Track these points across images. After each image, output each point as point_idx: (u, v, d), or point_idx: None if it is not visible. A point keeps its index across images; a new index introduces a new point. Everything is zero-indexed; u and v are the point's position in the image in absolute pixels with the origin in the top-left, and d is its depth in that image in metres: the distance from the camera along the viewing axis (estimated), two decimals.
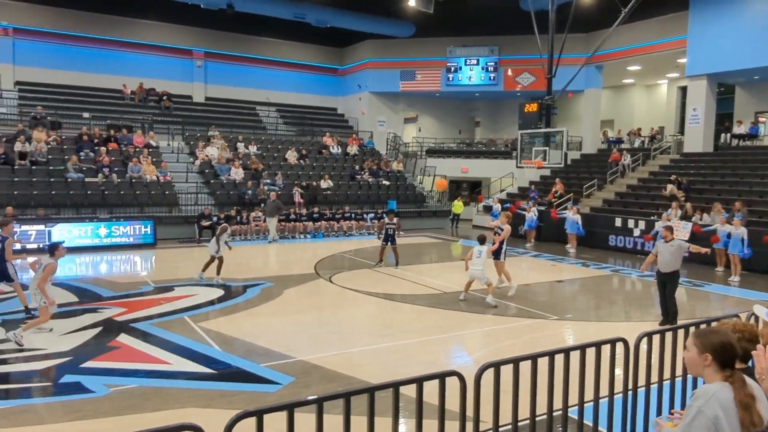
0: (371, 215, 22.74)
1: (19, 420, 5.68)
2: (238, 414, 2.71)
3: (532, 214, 20.04)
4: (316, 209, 21.48)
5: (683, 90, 25.48)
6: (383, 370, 7.06)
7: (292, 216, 20.80)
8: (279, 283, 12.38)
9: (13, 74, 24.10)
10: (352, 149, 27.24)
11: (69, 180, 18.75)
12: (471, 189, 31.28)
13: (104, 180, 19.24)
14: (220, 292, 11.54)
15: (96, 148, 20.65)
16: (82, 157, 19.89)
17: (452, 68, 28.69)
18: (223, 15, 24.44)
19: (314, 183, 23.15)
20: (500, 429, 3.46)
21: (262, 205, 20.32)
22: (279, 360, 7.39)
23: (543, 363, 3.58)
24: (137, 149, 21.39)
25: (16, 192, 17.67)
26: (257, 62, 29.67)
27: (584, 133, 27.13)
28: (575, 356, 3.69)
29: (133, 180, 19.76)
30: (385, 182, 25.29)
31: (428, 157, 29.22)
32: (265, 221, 19.80)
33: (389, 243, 14.73)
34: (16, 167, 18.67)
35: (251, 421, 2.76)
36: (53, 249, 8.45)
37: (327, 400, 2.96)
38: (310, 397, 2.99)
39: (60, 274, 13.54)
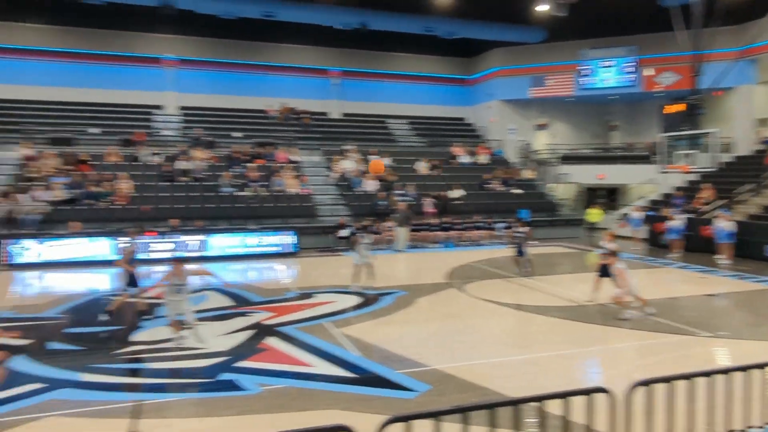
0: (501, 225, 22.37)
1: (183, 412, 6.31)
2: (389, 418, 2.84)
3: (677, 222, 18.52)
4: (447, 219, 21.61)
5: None
6: (518, 383, 6.96)
7: (424, 226, 21.12)
8: (412, 292, 12.62)
9: (177, 100, 27.03)
10: (482, 158, 27.05)
11: (222, 194, 20.61)
12: (608, 196, 29.62)
13: (253, 193, 20.90)
14: (357, 300, 12.01)
15: (245, 164, 22.49)
16: (234, 173, 21.76)
17: (585, 71, 27.50)
18: (355, 34, 25.57)
19: (442, 193, 23.28)
20: None
21: (395, 215, 20.85)
22: (414, 368, 7.55)
23: (700, 383, 3.35)
24: (281, 165, 22.97)
25: (177, 205, 19.73)
26: (388, 77, 30.60)
27: (736, 134, 24.61)
28: (738, 378, 3.40)
29: (278, 193, 21.24)
30: (516, 191, 24.80)
31: (562, 164, 28.18)
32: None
33: (519, 254, 14.48)
34: (179, 183, 20.88)
35: (396, 426, 2.87)
36: (180, 261, 9.12)
37: (473, 409, 3.00)
38: (453, 406, 3.06)
39: (215, 281, 14.92)
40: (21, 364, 7.83)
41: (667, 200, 22.55)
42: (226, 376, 7.44)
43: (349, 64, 29.65)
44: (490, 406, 3.00)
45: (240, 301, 12.08)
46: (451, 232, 21.38)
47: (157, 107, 26.67)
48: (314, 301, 12.00)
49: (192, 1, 22.88)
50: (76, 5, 22.68)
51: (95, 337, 9.65)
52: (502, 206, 23.85)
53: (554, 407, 3.20)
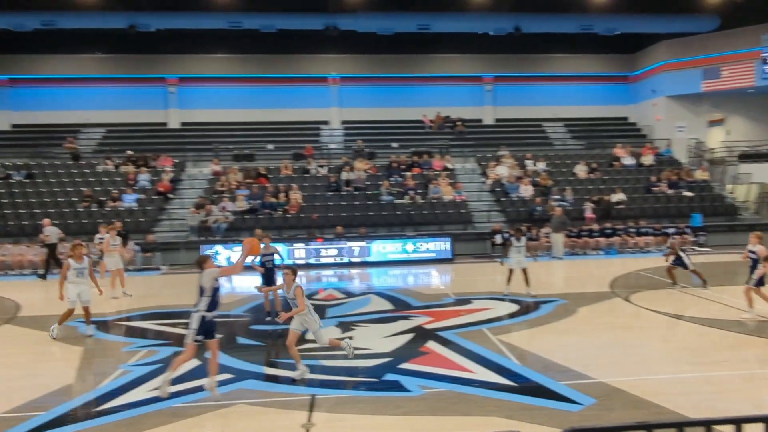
0: (672, 230, 20.70)
1: (353, 409, 6.73)
2: (566, 430, 2.88)
3: None
4: (608, 224, 20.53)
5: None
6: (693, 403, 6.52)
7: (584, 231, 20.29)
8: (573, 301, 12.26)
9: (339, 115, 28.91)
10: (647, 159, 25.25)
11: (382, 202, 21.64)
12: None
13: (410, 201, 21.66)
14: (516, 307, 11.95)
15: (403, 173, 23.38)
16: (392, 182, 22.73)
17: None
18: (509, 38, 25.37)
19: (605, 197, 22.15)
20: None
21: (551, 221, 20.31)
22: (577, 379, 7.40)
23: None
24: (436, 172, 23.51)
25: (343, 214, 21.09)
26: (543, 80, 29.82)
27: None
28: None
29: (434, 200, 21.77)
30: (687, 193, 22.80)
31: (740, 163, 25.34)
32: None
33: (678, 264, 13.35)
34: (343, 193, 22.31)
35: None
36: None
37: (659, 427, 2.87)
38: (638, 422, 2.98)
39: (377, 284, 15.77)
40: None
41: None
42: (390, 376, 7.77)
43: (502, 69, 29.42)
44: (679, 425, 2.90)
45: (400, 305, 12.60)
46: (614, 239, 20.26)
47: (324, 123, 28.73)
48: (472, 307, 12.16)
49: (353, 22, 24.38)
50: (252, 34, 25.31)
51: (276, 334, 10.69)
52: (672, 210, 22.12)
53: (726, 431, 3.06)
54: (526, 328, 10.39)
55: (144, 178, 22.84)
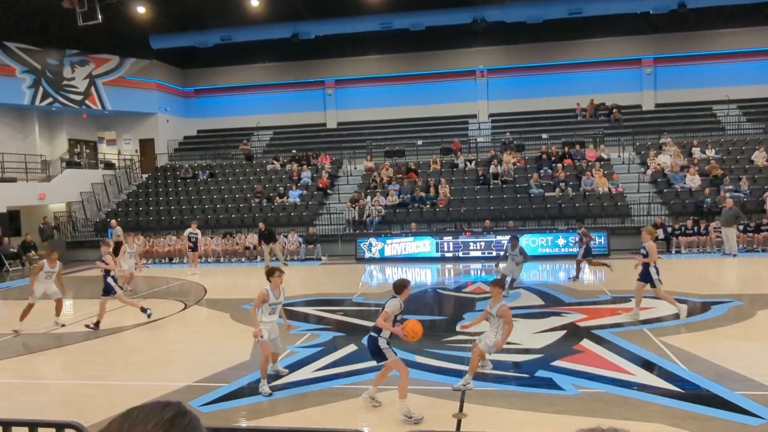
0: None
1: (506, 403, 6.74)
2: None
3: None
4: None
5: None
6: None
7: (762, 226, 18.16)
8: (750, 302, 11.12)
9: (487, 108, 28.68)
10: None
11: (531, 195, 21.15)
12: None
13: (561, 194, 20.91)
14: (683, 307, 11.11)
15: (553, 165, 22.63)
16: (542, 174, 22.12)
17: None
18: (672, 16, 23.31)
19: None
20: None
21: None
22: (757, 390, 6.73)
23: None
24: (589, 163, 22.42)
25: (491, 207, 20.98)
26: (711, 58, 26.97)
27: None
28: None
29: (587, 192, 20.80)
30: None
31: None
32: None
33: None
34: (491, 186, 22.17)
35: None
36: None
37: None
38: None
39: (525, 279, 15.51)
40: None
41: None
42: (543, 373, 7.64)
43: (663, 50, 27.16)
44: None
45: (551, 300, 12.32)
46: None
47: (471, 116, 28.69)
48: (630, 305, 11.51)
49: (501, 12, 24.02)
50: (402, 33, 26.02)
51: (425, 324, 10.99)
52: None
53: None
54: (694, 330, 9.61)
55: (306, 175, 24.62)
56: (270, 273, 7.63)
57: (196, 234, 18.53)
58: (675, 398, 6.68)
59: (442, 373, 7.95)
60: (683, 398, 6.68)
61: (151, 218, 23.54)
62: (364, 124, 29.21)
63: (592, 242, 14.69)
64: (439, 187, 22.00)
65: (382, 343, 6.50)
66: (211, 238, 21.41)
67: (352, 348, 8.37)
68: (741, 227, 18.04)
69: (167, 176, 26.95)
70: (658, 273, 10.36)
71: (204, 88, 31.59)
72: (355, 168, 25.66)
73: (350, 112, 29.93)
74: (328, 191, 23.82)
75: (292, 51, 28.27)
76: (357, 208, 21.54)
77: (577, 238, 15.16)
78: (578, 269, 14.82)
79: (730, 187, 19.88)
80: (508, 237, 18.61)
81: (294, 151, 26.94)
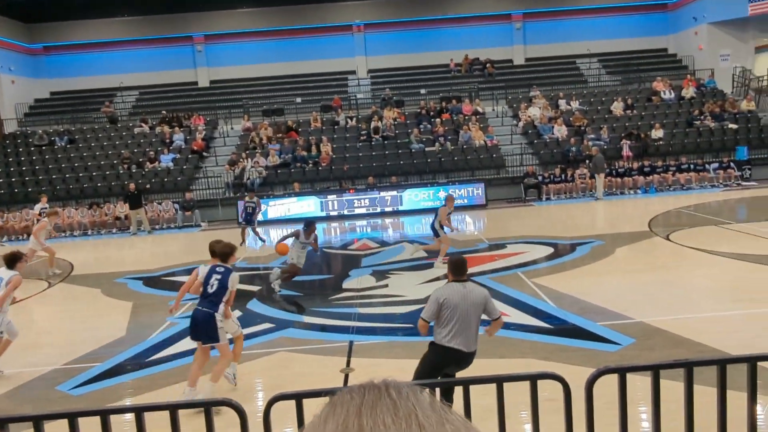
0: (714, 165, 20.05)
1: (388, 353, 6.88)
2: (600, 369, 2.86)
3: None
4: (646, 162, 19.95)
5: None
6: (737, 340, 6.40)
7: (621, 170, 19.82)
8: (610, 242, 12.09)
9: (366, 64, 28.43)
10: (688, 92, 24.18)
11: (413, 150, 21.44)
12: None
13: (440, 148, 21.40)
14: (550, 250, 11.88)
15: (432, 120, 23.03)
16: (422, 129, 22.44)
17: None
18: None
19: (642, 134, 21.42)
20: None
21: (587, 161, 19.84)
22: (616, 320, 7.35)
23: None
24: (466, 117, 23.07)
25: (374, 164, 21.04)
26: (575, 13, 28.50)
27: None
28: None
29: (465, 146, 21.45)
30: (731, 126, 21.85)
31: None
32: (592, 178, 19.33)
33: None
34: (372, 143, 22.18)
35: (605, 379, 2.88)
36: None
37: (698, 365, 2.83)
38: (677, 360, 2.96)
39: (410, 233, 15.85)
40: (255, 306, 9.26)
41: None
42: None
43: (531, 4, 28.25)
44: (721, 362, 2.84)
45: (434, 252, 12.64)
46: (653, 176, 19.72)
47: (350, 72, 28.31)
48: (506, 251, 12.13)
49: None
50: None
51: (312, 284, 10.95)
52: (715, 144, 21.31)
53: None
54: (561, 270, 10.32)
55: (178, 137, 23.13)
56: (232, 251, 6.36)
57: (46, 208, 16.91)
58: (546, 334, 7.18)
59: (329, 331, 8.01)
60: (552, 333, 7.18)
61: (2, 191, 21.12)
62: (239, 82, 27.81)
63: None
64: (321, 145, 21.65)
65: (219, 322, 5.68)
66: (76, 209, 19.63)
67: (236, 314, 8.04)
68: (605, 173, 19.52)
69: (18, 144, 24.15)
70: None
71: (56, 45, 28.37)
72: (232, 128, 24.50)
73: (223, 70, 28.36)
74: (204, 154, 22.61)
75: (156, 3, 26.09)
76: (236, 170, 20.67)
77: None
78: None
79: (593, 136, 21.39)
80: (392, 193, 19.09)
81: (164, 112, 25.09)
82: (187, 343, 7.56)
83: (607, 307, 7.86)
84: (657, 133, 21.43)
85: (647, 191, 19.45)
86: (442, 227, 11.20)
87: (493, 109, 24.54)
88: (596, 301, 8.19)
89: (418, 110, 23.83)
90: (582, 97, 24.65)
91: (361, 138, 22.43)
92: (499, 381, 2.88)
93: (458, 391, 3.07)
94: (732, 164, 20.07)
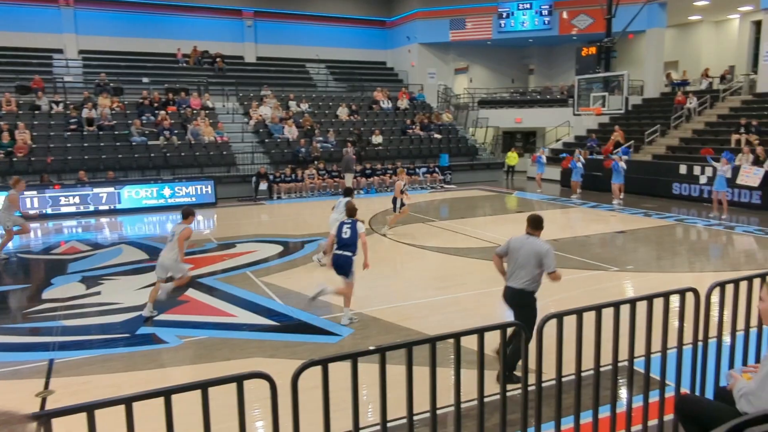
0: (423, 170, 22.65)
1: (104, 368, 6.11)
2: (304, 363, 2.82)
3: (579, 164, 19.18)
4: (368, 165, 21.56)
5: (757, 24, 23.67)
6: (440, 322, 7.16)
7: (368, 171, 21.18)
8: None
9: (77, 43, 24.92)
10: (403, 103, 26.96)
11: (134, 143, 19.47)
12: (525, 139, 30.53)
13: (165, 142, 19.86)
14: (280, 248, 11.88)
15: (156, 111, 21.26)
16: (144, 121, 20.55)
17: (504, 14, 27.66)
18: None
19: (364, 138, 23.10)
20: (563, 380, 3.47)
21: (315, 162, 20.64)
22: (338, 313, 7.60)
23: (607, 314, 3.53)
24: (194, 111, 21.88)
25: (86, 156, 18.52)
26: (305, 18, 29.44)
27: (646, 77, 25.77)
28: (642, 307, 3.61)
29: (193, 142, 20.29)
30: (436, 136, 25.01)
31: (480, 108, 28.61)
32: (342, 177, 20.38)
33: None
34: (84, 133, 19.50)
35: (316, 370, 2.87)
36: (187, 214, 8.18)
37: (389, 349, 3.04)
38: (373, 347, 3.07)
39: (130, 233, 14.32)
40: None
41: (580, 143, 23.54)
42: (145, 330, 7.25)
43: (264, 4, 28.27)
44: (408, 345, 3.03)
45: (156, 254, 11.59)
46: (374, 178, 21.39)
47: (56, 51, 24.49)
48: (235, 251, 11.77)
49: None
50: None
51: (4, 296, 9.08)
52: (424, 151, 24.05)
53: (470, 342, 3.28)
54: (290, 268, 10.38)
55: None
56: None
57: None
58: (272, 331, 7.14)
59: (26, 350, 6.78)
60: (279, 330, 7.15)
61: None
62: None
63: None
64: (16, 132, 18.25)
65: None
66: None
67: None
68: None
69: None
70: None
71: None
72: None
73: None
74: None
75: None
76: None
77: None
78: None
79: (321, 138, 22.26)
80: (108, 189, 17.01)
81: None
82: None
83: (331, 301, 8.09)
84: (377, 139, 23.32)
85: (369, 192, 20.99)
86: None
87: (224, 105, 23.79)
88: (321, 297, 8.36)
89: (140, 100, 21.78)
90: (311, 100, 25.52)
91: (71, 127, 19.55)
92: (204, 386, 2.62)
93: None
94: (437, 169, 22.91)
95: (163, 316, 7.73)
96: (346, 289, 7.28)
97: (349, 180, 19.91)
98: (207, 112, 22.20)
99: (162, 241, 12.79)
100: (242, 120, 23.15)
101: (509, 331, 4.48)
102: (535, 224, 5.55)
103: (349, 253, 7.22)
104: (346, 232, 7.28)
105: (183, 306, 8.21)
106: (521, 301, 5.38)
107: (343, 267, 7.23)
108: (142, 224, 15.69)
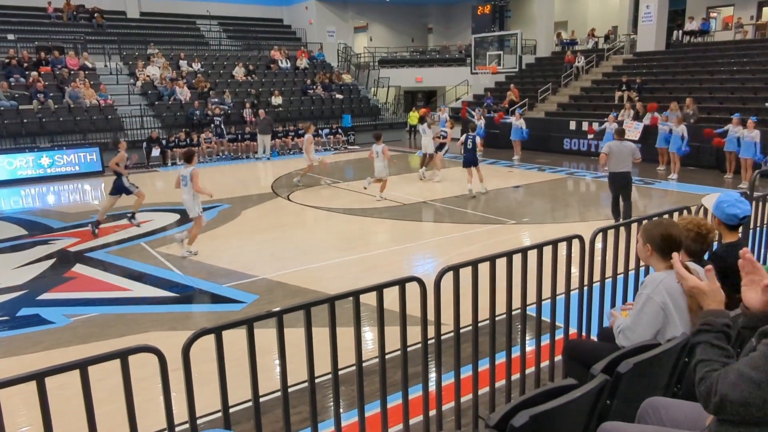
0: (326, 131, 22.34)
1: None
2: (195, 332, 2.67)
3: (479, 123, 19.76)
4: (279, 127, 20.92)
5: None
6: (346, 282, 7.15)
7: (244, 135, 20.38)
8: (236, 205, 12.21)
9: None
10: (302, 63, 26.24)
11: (2, 108, 17.58)
12: (426, 99, 30.89)
13: (40, 107, 18.11)
14: (176, 217, 11.32)
15: (27, 72, 19.28)
16: (13, 84, 18.59)
17: None
18: None
19: (257, 96, 22.35)
20: (461, 330, 3.55)
21: (212, 125, 19.74)
22: (241, 279, 7.40)
23: (501, 264, 3.63)
24: (72, 72, 20.06)
25: None
26: None
27: (538, 37, 26.64)
28: (533, 256, 3.75)
29: (72, 105, 18.65)
30: (338, 96, 24.66)
31: (381, 68, 28.46)
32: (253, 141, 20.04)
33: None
34: None
35: (212, 339, 2.73)
36: (190, 156, 8.79)
37: (286, 312, 2.95)
38: (269, 311, 2.98)
39: (5, 208, 13.08)
40: None
41: (478, 101, 24.11)
42: (28, 311, 6.69)
43: None
44: (305, 306, 2.97)
45: (36, 228, 10.76)
46: (275, 141, 20.81)
47: None
48: (128, 221, 11.07)
49: None
50: None
51: None
52: (326, 112, 23.67)
53: (371, 299, 3.27)
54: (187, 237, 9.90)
55: None
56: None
57: None
58: (172, 303, 6.84)
59: None
60: (179, 302, 6.88)
61: None
62: None
63: None
64: None
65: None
66: None
67: None
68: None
69: None
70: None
71: None
72: None
73: None
74: None
75: None
76: None
77: None
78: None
79: (216, 100, 21.22)
80: None
81: None
82: None
83: (233, 268, 7.86)
84: (276, 100, 22.62)
85: (269, 155, 20.42)
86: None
87: (106, 65, 21.98)
88: (223, 264, 8.12)
89: (6, 60, 19.62)
90: (204, 59, 24.21)
91: None
92: (83, 366, 2.42)
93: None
94: (340, 130, 22.66)
95: (46, 295, 7.17)
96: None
97: (266, 142, 19.78)
98: (87, 72, 20.43)
99: (44, 215, 11.90)
100: (128, 81, 21.54)
101: None
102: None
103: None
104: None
105: (70, 282, 7.65)
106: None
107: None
108: (18, 197, 14.38)
